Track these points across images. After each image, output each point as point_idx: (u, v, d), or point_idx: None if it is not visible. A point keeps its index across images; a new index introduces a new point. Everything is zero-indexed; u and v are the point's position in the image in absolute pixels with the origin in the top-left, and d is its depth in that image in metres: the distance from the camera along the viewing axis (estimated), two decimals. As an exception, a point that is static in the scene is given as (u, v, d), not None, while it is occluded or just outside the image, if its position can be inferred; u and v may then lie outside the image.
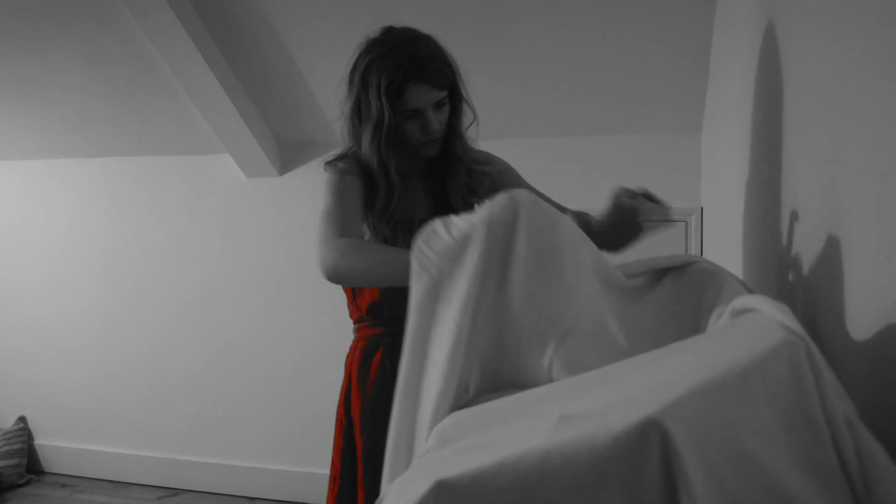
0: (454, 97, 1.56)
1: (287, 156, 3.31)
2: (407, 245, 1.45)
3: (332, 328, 2.90)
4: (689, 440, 0.49)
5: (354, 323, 1.73)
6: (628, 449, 0.49)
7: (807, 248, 1.03)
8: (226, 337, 3.46)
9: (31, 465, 3.82)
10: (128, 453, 3.68)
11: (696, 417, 0.51)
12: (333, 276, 1.38)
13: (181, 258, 3.49)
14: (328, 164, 1.59)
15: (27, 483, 3.68)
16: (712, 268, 1.06)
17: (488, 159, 1.70)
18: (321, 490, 3.03)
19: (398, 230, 1.56)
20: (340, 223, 1.45)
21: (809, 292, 1.01)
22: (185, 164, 3.43)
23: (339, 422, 1.70)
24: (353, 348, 1.70)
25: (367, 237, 1.58)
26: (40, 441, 3.86)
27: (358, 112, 1.54)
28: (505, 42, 2.50)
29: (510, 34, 2.48)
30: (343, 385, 1.72)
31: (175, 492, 3.55)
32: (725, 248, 2.08)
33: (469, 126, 1.62)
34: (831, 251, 0.89)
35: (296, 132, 3.21)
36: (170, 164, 3.46)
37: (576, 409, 0.59)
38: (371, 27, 1.53)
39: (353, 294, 1.69)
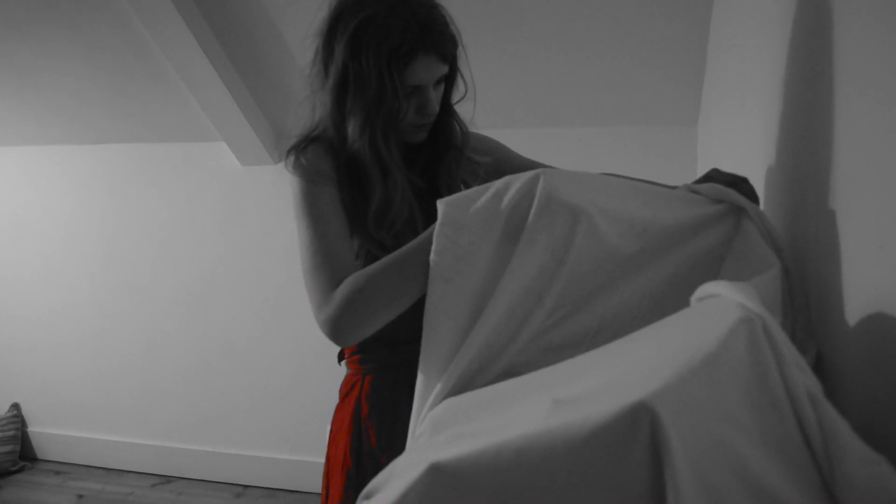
0: (451, 69, 1.27)
1: (283, 144, 3.29)
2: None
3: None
4: (673, 424, 0.49)
5: (347, 355, 1.39)
6: (620, 431, 0.50)
7: (804, 238, 1.04)
8: (221, 326, 3.46)
9: (24, 452, 3.82)
10: (121, 441, 3.68)
11: (677, 403, 0.51)
12: (349, 341, 1.08)
13: (175, 246, 3.48)
14: (291, 158, 1.30)
15: (21, 470, 3.68)
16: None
17: (485, 146, 1.43)
18: (313, 478, 3.03)
19: (400, 236, 1.22)
20: (331, 267, 1.12)
21: (806, 282, 1.02)
22: (180, 152, 3.42)
23: (339, 468, 1.34)
24: (353, 384, 1.36)
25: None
26: (34, 428, 3.86)
27: (344, 86, 1.21)
28: (500, 31, 2.50)
29: (505, 22, 2.47)
30: (341, 430, 1.36)
31: (168, 479, 3.56)
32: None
33: (458, 101, 1.35)
34: (828, 241, 0.89)
35: (292, 120, 3.19)
36: (164, 151, 3.44)
37: (568, 394, 0.59)
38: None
39: None
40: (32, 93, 3.24)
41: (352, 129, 1.21)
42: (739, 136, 1.68)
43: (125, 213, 3.55)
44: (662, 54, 2.51)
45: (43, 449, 3.84)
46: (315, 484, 2.97)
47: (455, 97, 1.34)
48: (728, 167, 1.88)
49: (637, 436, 0.49)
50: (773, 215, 1.25)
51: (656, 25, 2.41)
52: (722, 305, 0.65)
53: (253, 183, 3.34)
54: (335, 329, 1.06)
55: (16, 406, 3.84)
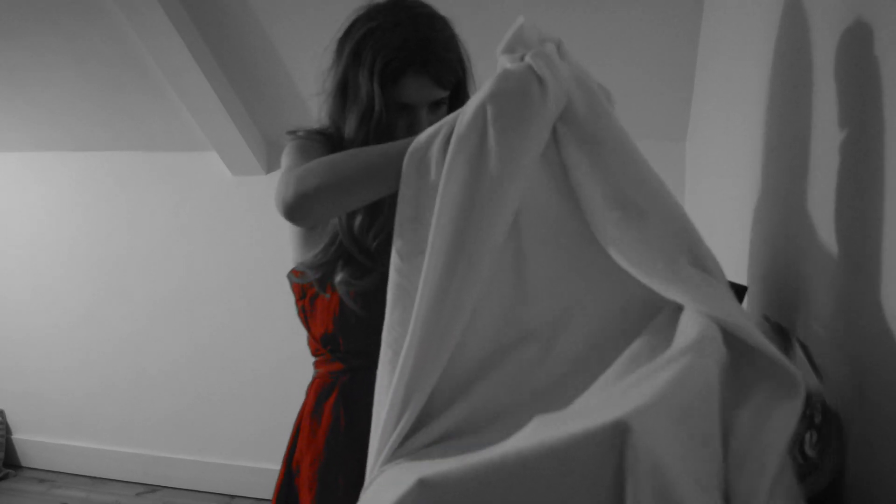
0: (458, 99, 1.28)
1: (274, 154, 3.30)
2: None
3: (315, 327, 2.90)
4: (644, 440, 0.52)
5: (312, 355, 1.45)
6: (597, 444, 0.52)
7: (794, 249, 1.05)
8: (207, 334, 3.45)
9: (9, 460, 3.79)
10: (107, 449, 3.66)
11: (649, 422, 0.53)
12: (296, 203, 1.04)
13: (164, 255, 3.48)
14: (292, 132, 1.34)
15: (5, 477, 3.66)
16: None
17: None
18: (301, 489, 3.02)
19: (384, 245, 1.19)
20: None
21: (791, 295, 1.03)
22: (171, 161, 3.41)
23: (283, 466, 1.46)
24: (309, 387, 1.44)
25: (328, 252, 1.26)
26: (19, 435, 3.83)
27: (342, 92, 1.26)
28: (484, 41, 2.51)
29: (490, 33, 2.49)
30: (292, 432, 1.47)
31: (153, 488, 3.54)
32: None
33: None
34: (818, 252, 0.90)
35: (283, 131, 3.20)
36: (155, 160, 3.44)
37: (551, 412, 0.61)
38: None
39: (307, 320, 1.39)
40: (23, 99, 3.23)
41: (347, 132, 1.25)
42: (727, 152, 1.70)
43: (114, 222, 3.53)
44: (651, 69, 2.53)
45: (27, 456, 3.81)
46: (301, 494, 2.96)
47: None
48: (716, 183, 1.90)
49: (613, 450, 0.51)
50: (762, 230, 1.26)
51: (645, 40, 2.43)
52: (686, 326, 0.67)
53: (243, 193, 3.33)
54: (284, 196, 1.05)
55: (0, 413, 3.81)
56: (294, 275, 1.37)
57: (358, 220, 1.22)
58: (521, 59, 0.93)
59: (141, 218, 3.49)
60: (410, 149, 0.96)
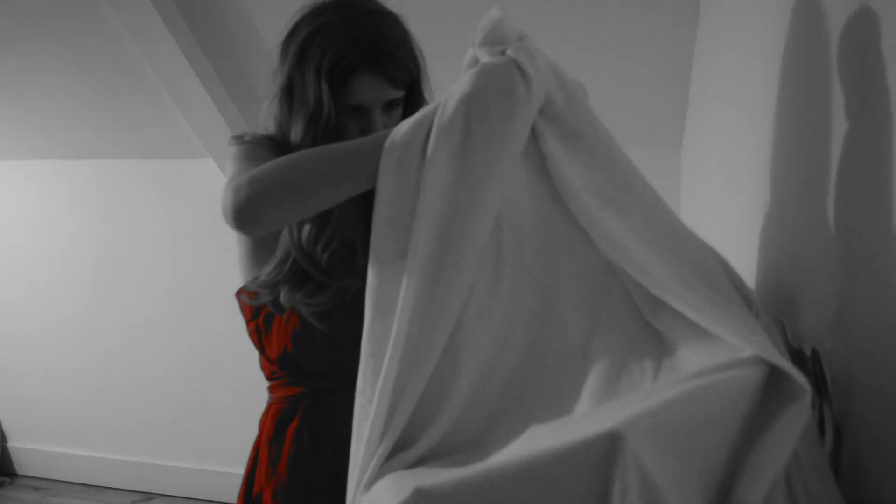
0: (412, 98, 1.21)
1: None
2: (346, 276, 1.13)
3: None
4: (637, 451, 0.52)
5: (266, 379, 1.35)
6: (590, 453, 0.52)
7: (789, 258, 1.05)
8: (204, 341, 3.44)
9: (3, 468, 3.78)
10: (103, 457, 3.64)
11: (645, 433, 0.54)
12: (249, 206, 0.97)
13: (159, 262, 3.47)
14: (237, 137, 1.23)
15: (0, 486, 3.64)
16: None
17: None
18: (298, 496, 3.01)
19: (336, 257, 1.13)
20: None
21: (790, 300, 1.03)
22: (166, 168, 3.41)
23: (240, 499, 1.32)
24: (265, 414, 1.32)
25: (282, 270, 1.17)
26: (14, 443, 3.81)
27: (288, 94, 1.18)
28: (443, 41, 2.51)
29: (446, 34, 2.49)
30: (248, 461, 1.34)
31: (149, 496, 3.53)
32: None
33: None
34: (820, 259, 0.90)
35: (279, 138, 3.20)
36: (150, 167, 3.43)
37: (547, 422, 0.61)
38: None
39: (261, 341, 1.29)
40: (19, 107, 3.23)
41: (293, 136, 1.17)
42: (724, 159, 1.70)
43: (110, 229, 3.53)
44: (646, 77, 2.53)
45: (23, 464, 3.80)
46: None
47: None
48: (712, 190, 1.91)
49: (605, 459, 0.52)
50: (755, 238, 1.26)
51: (640, 46, 2.44)
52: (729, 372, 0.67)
53: (240, 199, 3.32)
54: (232, 202, 0.99)
55: (-4, 421, 3.80)
56: (247, 296, 1.28)
57: (306, 229, 1.13)
58: (502, 53, 0.92)
59: (136, 225, 3.48)
60: (386, 146, 0.93)
